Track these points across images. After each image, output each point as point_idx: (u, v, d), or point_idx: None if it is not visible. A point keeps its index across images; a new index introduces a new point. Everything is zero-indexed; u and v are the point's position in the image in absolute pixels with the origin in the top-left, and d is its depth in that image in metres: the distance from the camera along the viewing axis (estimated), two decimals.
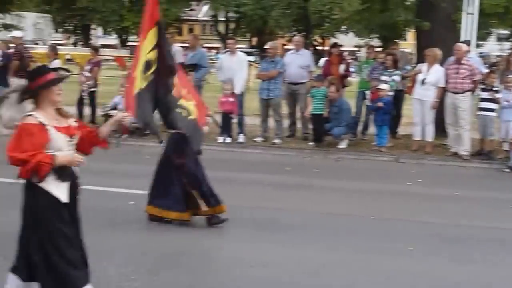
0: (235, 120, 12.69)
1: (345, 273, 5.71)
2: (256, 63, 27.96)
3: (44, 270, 4.21)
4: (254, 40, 67.32)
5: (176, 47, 13.73)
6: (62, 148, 4.15)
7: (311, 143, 12.52)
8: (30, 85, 4.14)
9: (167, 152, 6.99)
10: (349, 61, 14.63)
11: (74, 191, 4.31)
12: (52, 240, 4.17)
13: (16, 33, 14.74)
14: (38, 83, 4.10)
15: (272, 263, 5.82)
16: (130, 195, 8.03)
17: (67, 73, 4.50)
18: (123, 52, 53.67)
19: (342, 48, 14.29)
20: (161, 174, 6.96)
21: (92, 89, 13.80)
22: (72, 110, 14.02)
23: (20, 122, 4.09)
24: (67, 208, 4.25)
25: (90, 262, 4.43)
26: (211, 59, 31.41)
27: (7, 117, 3.45)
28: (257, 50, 53.74)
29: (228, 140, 12.49)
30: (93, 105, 14.06)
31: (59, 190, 4.18)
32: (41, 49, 28.47)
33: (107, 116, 13.22)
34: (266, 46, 19.14)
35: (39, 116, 4.08)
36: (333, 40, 35.23)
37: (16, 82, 13.59)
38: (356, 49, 57.94)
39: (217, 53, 48.10)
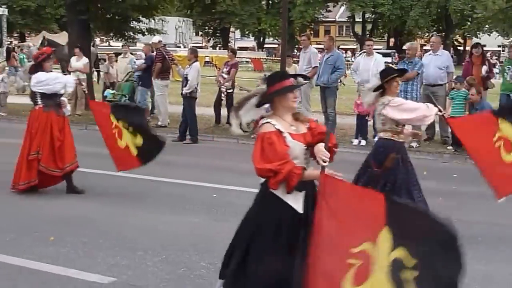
0: (370, 123, 12.44)
1: None
2: (394, 64, 27.31)
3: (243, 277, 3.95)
4: (392, 41, 65.91)
5: (312, 49, 13.72)
6: (298, 157, 3.88)
7: (450, 147, 11.96)
8: (268, 90, 3.98)
9: (368, 159, 6.45)
10: (492, 62, 13.82)
11: (309, 202, 3.88)
12: (264, 253, 3.87)
13: (154, 39, 15.43)
14: (275, 89, 3.94)
15: None
16: None
17: (305, 81, 4.41)
18: (260, 54, 54.74)
19: (484, 49, 13.54)
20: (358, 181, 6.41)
21: (229, 91, 14.14)
22: (211, 111, 14.54)
23: (258, 131, 3.93)
24: (300, 220, 3.86)
25: None
26: (347, 61, 31.16)
27: (245, 120, 3.53)
28: (395, 51, 52.53)
29: (363, 142, 12.26)
30: (230, 106, 14.37)
31: (296, 200, 3.88)
32: (182, 52, 29.73)
33: None
34: (404, 47, 18.60)
35: (276, 123, 3.87)
36: (475, 40, 33.58)
37: (159, 84, 14.29)
38: (500, 49, 54.93)
39: (353, 54, 47.61)
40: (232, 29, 69.98)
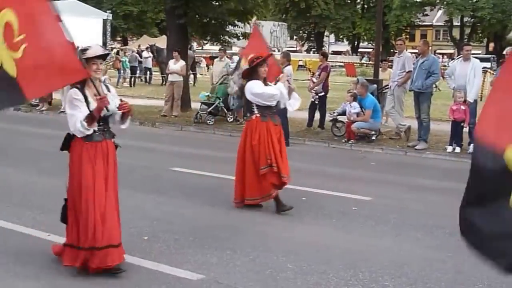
0: (466, 129, 12.05)
1: None
2: (492, 70, 26.27)
3: None
4: (491, 46, 63.36)
5: (407, 54, 13.49)
6: None
7: None
8: None
9: None
10: None
11: None
12: None
13: (240, 43, 15.67)
14: None
15: None
16: (358, 200, 8.05)
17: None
18: (354, 59, 54.22)
19: None
20: None
21: (320, 94, 14.13)
22: (302, 114, 14.58)
23: None
24: None
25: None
26: (444, 66, 30.28)
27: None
28: (494, 56, 50.48)
29: (458, 149, 11.90)
30: (322, 110, 14.37)
31: None
32: (277, 56, 29.97)
33: (335, 121, 13.49)
34: (504, 52, 17.86)
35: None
36: None
37: None
38: None
39: (451, 59, 46.18)
40: (326, 33, 69.75)
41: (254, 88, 7.25)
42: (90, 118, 5.02)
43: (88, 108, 5.06)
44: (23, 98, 5.12)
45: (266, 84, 7.34)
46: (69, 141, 5.23)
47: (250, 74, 7.40)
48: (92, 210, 5.08)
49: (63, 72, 4.88)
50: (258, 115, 7.35)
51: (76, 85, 5.10)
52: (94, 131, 5.13)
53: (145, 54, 31.57)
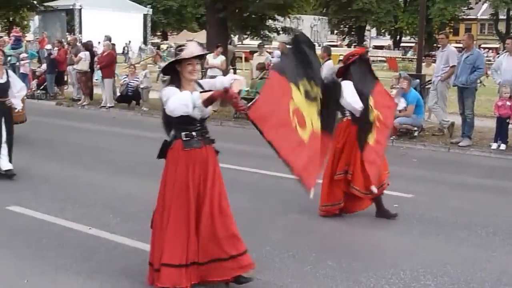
0: (511, 126, 11.74)
1: None
2: None
3: None
4: None
5: (450, 48, 13.21)
6: None
7: None
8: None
9: None
10: None
11: None
12: None
13: (280, 38, 15.61)
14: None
15: None
16: (399, 198, 7.91)
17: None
18: (396, 53, 53.51)
19: None
20: None
21: None
22: None
23: None
24: None
25: None
26: (488, 60, 29.62)
27: None
28: None
29: (503, 146, 11.60)
30: None
31: None
32: (317, 51, 29.77)
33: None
34: None
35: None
36: None
37: None
38: None
39: (497, 54, 45.15)
40: (367, 27, 69.04)
41: (344, 92, 6.45)
42: (206, 98, 4.38)
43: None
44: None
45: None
46: (165, 149, 4.84)
47: (345, 72, 6.78)
48: (186, 223, 4.61)
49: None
50: (349, 118, 6.78)
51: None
52: (193, 136, 4.67)
53: None
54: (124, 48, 38.47)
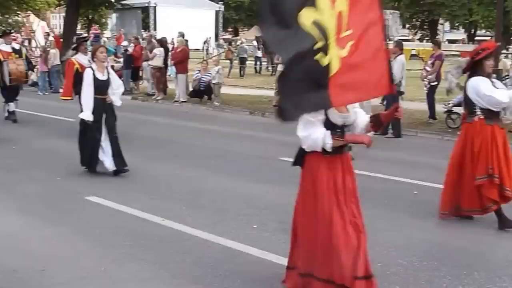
0: None
1: None
2: None
3: None
4: None
5: None
6: None
7: None
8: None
9: None
10: None
11: None
12: None
13: None
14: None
15: None
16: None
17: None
18: (470, 48, 51.94)
19: None
20: None
21: (433, 83, 13.67)
22: (414, 105, 14.16)
23: None
24: None
25: None
26: None
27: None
28: None
29: None
30: (431, 99, 13.90)
31: None
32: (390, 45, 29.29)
33: (450, 113, 12.99)
34: None
35: None
36: None
37: None
38: None
39: None
40: (441, 21, 67.26)
41: (481, 88, 6.16)
42: (338, 140, 4.19)
43: (327, 116, 4.25)
44: (328, 104, 4.12)
45: (491, 81, 6.37)
46: (302, 155, 4.47)
47: (474, 68, 6.40)
48: (328, 236, 4.28)
49: (372, 83, 4.11)
50: (482, 117, 6.38)
51: None
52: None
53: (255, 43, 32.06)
54: (204, 44, 39.12)
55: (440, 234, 6.38)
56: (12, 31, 15.59)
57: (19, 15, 44.94)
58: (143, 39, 22.27)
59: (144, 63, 19.45)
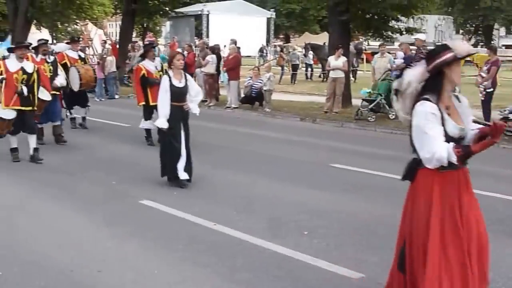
0: None
1: None
2: None
3: None
4: None
5: None
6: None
7: None
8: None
9: None
10: None
11: None
12: None
13: (420, 35, 15.38)
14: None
15: None
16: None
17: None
18: None
19: None
20: None
21: (488, 90, 13.40)
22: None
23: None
24: None
25: None
26: None
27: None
28: None
29: None
30: (487, 106, 13.61)
31: None
32: None
33: (506, 120, 12.69)
34: None
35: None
36: None
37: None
38: None
39: None
40: (496, 26, 65.65)
41: None
42: (464, 153, 3.72)
43: (445, 128, 3.80)
44: None
45: None
46: (415, 169, 3.99)
47: None
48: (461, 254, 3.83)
49: None
50: None
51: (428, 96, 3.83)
52: None
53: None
54: (261, 50, 39.40)
55: (497, 243, 6.21)
56: (80, 39, 15.89)
57: (78, 24, 46.23)
58: (196, 46, 22.55)
59: (197, 70, 19.71)
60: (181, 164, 8.26)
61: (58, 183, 8.54)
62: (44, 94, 10.25)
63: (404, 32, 18.26)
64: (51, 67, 11.44)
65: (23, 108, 9.66)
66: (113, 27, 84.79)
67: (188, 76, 8.56)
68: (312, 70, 30.80)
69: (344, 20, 17.16)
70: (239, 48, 19.68)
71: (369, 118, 14.87)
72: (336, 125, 14.93)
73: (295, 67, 29.23)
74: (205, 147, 11.56)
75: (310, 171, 9.56)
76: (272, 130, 13.91)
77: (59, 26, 41.52)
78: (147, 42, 20.26)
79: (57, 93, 11.53)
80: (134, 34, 33.59)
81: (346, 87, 17.02)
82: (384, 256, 5.63)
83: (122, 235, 6.28)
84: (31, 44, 11.56)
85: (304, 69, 31.19)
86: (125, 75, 23.71)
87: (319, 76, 29.89)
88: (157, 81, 10.53)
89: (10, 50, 10.31)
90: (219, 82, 19.87)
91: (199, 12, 43.76)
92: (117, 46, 24.37)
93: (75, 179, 8.82)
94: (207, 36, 39.74)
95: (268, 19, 49.50)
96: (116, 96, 20.94)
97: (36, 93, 9.87)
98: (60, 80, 11.51)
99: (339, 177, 9.17)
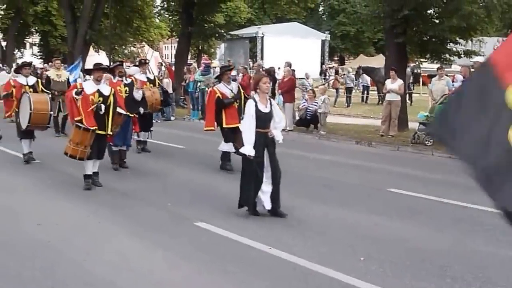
0: None
1: None
2: None
3: None
4: None
5: None
6: None
7: None
8: None
9: None
10: None
11: None
12: None
13: (478, 58, 15.11)
14: None
15: None
16: None
17: None
18: None
19: None
20: None
21: None
22: None
23: None
24: None
25: None
26: None
27: None
28: None
29: None
30: None
31: None
32: None
33: None
34: None
35: None
36: None
37: None
38: None
39: None
40: None
41: None
42: None
43: None
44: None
45: None
46: None
47: None
48: None
49: None
50: None
51: None
52: None
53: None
54: (324, 73, 39.61)
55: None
56: (148, 61, 16.08)
57: (135, 46, 47.43)
58: (250, 69, 22.76)
59: (252, 92, 19.84)
60: (263, 195, 7.85)
61: (114, 204, 8.68)
62: (120, 109, 10.13)
63: (462, 55, 17.93)
64: (127, 88, 11.52)
65: (98, 131, 9.43)
66: (169, 49, 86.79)
67: (273, 101, 8.16)
68: (368, 93, 30.56)
69: (400, 43, 17.00)
70: (293, 70, 19.73)
71: (426, 142, 14.59)
72: (392, 149, 14.72)
73: (349, 90, 29.09)
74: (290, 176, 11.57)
75: (366, 195, 9.42)
76: (327, 153, 13.81)
77: (116, 48, 42.68)
78: (202, 64, 20.56)
79: (132, 115, 11.40)
80: (189, 56, 34.17)
81: (402, 110, 16.80)
82: (443, 285, 5.49)
83: (177, 258, 6.31)
84: (108, 66, 11.49)
85: (360, 91, 30.98)
86: (181, 97, 24.09)
87: (378, 101, 29.51)
88: (232, 101, 10.43)
89: (87, 72, 10.25)
90: None
91: (254, 35, 44.29)
92: (173, 68, 24.82)
93: (131, 200, 8.95)
94: (262, 58, 40.14)
95: (323, 41, 49.62)
96: (172, 118, 21.26)
97: (111, 117, 9.66)
98: (137, 95, 11.62)
99: (396, 201, 9.00)
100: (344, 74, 31.57)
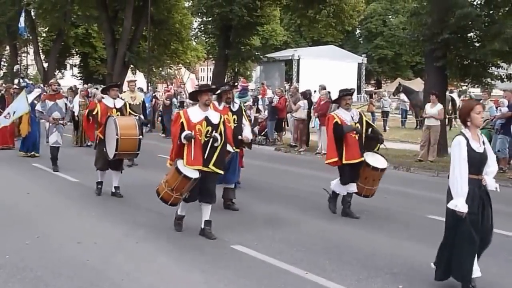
0: None
1: None
2: None
3: None
4: None
5: None
6: None
7: None
8: None
9: None
10: None
11: None
12: None
13: (503, 86, 14.81)
14: None
15: None
16: None
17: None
18: None
19: None
20: None
21: None
22: None
23: None
24: None
25: None
26: None
27: None
28: None
29: None
30: None
31: None
32: None
33: None
34: None
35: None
36: None
37: None
38: None
39: None
40: None
41: None
42: None
43: None
44: None
45: None
46: None
47: None
48: None
49: None
50: None
51: None
52: None
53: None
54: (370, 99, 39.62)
55: None
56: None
57: (172, 68, 48.03)
58: (286, 91, 22.76)
59: (288, 115, 19.82)
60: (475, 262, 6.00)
61: (151, 225, 8.66)
62: (227, 145, 8.41)
63: (505, 79, 17.60)
64: (235, 117, 9.68)
65: (204, 168, 7.80)
66: (204, 71, 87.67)
67: (484, 138, 6.16)
68: (406, 117, 30.22)
69: (440, 66, 16.79)
70: (329, 93, 19.65)
71: None
72: (432, 175, 14.47)
73: (386, 114, 28.81)
74: (296, 192, 11.49)
75: (406, 221, 9.24)
76: (386, 182, 13.62)
77: (154, 70, 43.33)
78: (240, 87, 20.64)
79: (238, 150, 9.90)
80: (225, 78, 34.42)
81: (441, 135, 16.54)
82: None
83: (214, 281, 6.23)
84: (218, 88, 9.55)
85: (399, 115, 30.67)
86: None
87: (416, 125, 29.14)
88: (354, 128, 9.31)
89: (192, 96, 8.80)
90: (310, 128, 19.86)
91: (290, 57, 44.40)
92: None
93: (168, 221, 8.93)
94: (297, 81, 40.14)
95: (359, 64, 49.42)
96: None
97: (221, 150, 7.99)
98: (246, 133, 9.87)
99: (436, 229, 8.72)
100: (380, 98, 31.24)
